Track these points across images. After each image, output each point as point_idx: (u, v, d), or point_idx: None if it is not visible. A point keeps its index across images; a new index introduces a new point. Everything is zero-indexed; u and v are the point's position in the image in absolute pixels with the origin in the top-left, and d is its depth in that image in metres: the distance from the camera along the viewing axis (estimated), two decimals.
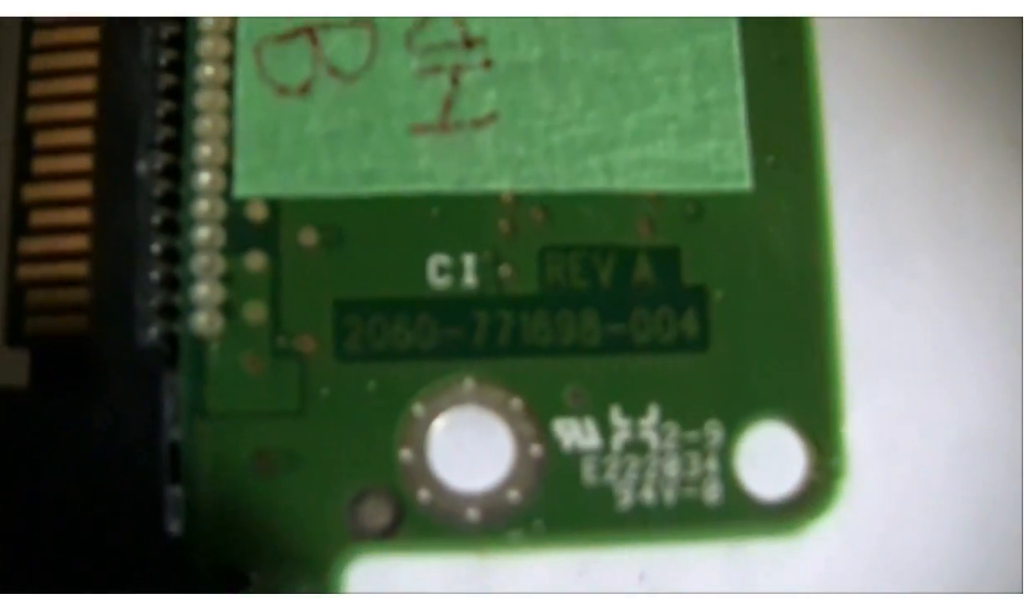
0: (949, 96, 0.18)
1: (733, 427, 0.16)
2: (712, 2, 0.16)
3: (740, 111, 0.16)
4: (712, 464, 0.16)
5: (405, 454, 0.15)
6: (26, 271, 0.16)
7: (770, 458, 0.16)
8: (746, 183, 0.16)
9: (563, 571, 0.17)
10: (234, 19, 0.16)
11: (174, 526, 0.15)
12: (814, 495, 0.16)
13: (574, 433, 0.15)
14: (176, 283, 0.16)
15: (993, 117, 0.18)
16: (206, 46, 0.16)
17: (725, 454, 0.16)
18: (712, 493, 0.15)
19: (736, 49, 0.16)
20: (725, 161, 0.16)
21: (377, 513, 0.15)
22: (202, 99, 0.16)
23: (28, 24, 0.16)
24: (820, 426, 0.16)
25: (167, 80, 0.16)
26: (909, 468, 0.17)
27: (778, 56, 0.17)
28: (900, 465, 0.18)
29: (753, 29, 0.16)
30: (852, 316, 0.17)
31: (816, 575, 0.17)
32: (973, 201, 0.18)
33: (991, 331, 0.18)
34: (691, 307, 0.16)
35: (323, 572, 0.15)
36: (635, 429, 0.16)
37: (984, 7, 0.18)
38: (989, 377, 0.18)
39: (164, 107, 0.16)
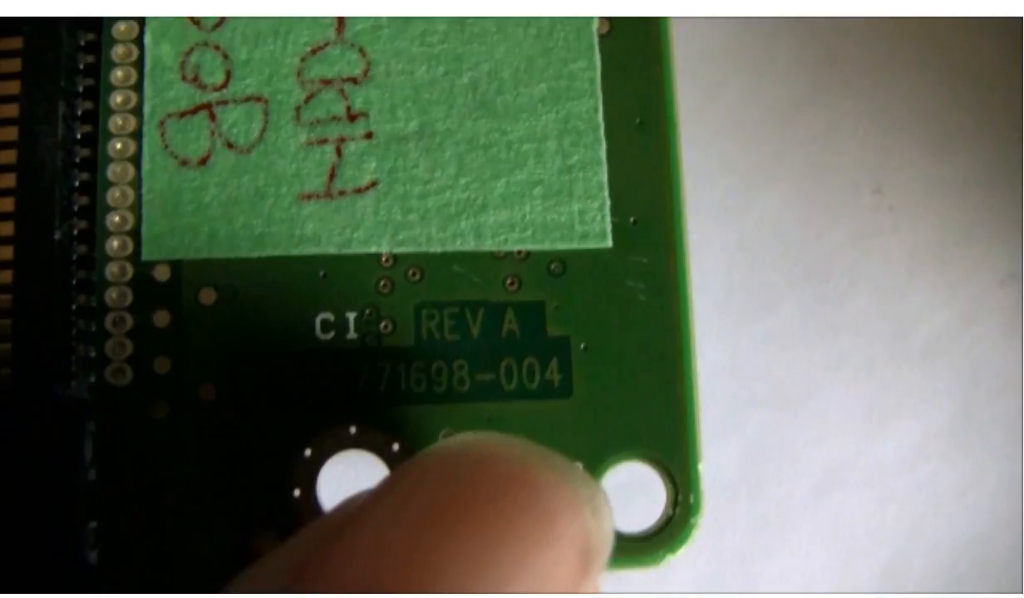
0: (812, 149, 0.19)
1: (596, 466, 0.17)
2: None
3: (603, 174, 0.18)
4: None
5: (295, 494, 0.17)
6: None
7: (630, 495, 0.17)
8: (607, 241, 0.17)
9: None
10: (140, 97, 0.18)
11: (92, 557, 0.17)
12: (672, 529, 0.17)
13: None
14: (92, 338, 0.17)
15: (858, 167, 0.20)
16: (116, 122, 0.18)
17: None
18: None
19: (600, 115, 0.18)
20: (588, 221, 0.17)
21: (270, 546, 0.17)
22: (112, 171, 0.18)
23: None
24: (676, 465, 0.17)
25: (83, 153, 0.18)
26: (770, 500, 0.19)
27: (640, 120, 0.18)
28: (765, 493, 0.19)
29: (616, 95, 0.18)
30: (716, 358, 0.18)
31: (683, 592, 0.19)
32: (837, 247, 0.19)
33: (852, 368, 0.19)
34: (555, 357, 0.17)
35: None
36: None
37: (984, 7, 0.19)
38: (851, 412, 0.19)
39: (81, 178, 0.18)
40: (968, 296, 0.19)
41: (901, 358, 0.19)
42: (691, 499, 0.17)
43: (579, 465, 0.16)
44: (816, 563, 0.19)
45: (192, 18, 0.18)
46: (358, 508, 0.12)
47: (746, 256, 0.19)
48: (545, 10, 0.17)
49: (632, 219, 0.17)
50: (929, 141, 0.19)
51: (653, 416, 0.17)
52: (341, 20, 0.18)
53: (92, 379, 0.17)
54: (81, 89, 0.18)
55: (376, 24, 0.18)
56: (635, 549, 0.17)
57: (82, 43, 0.18)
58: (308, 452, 0.17)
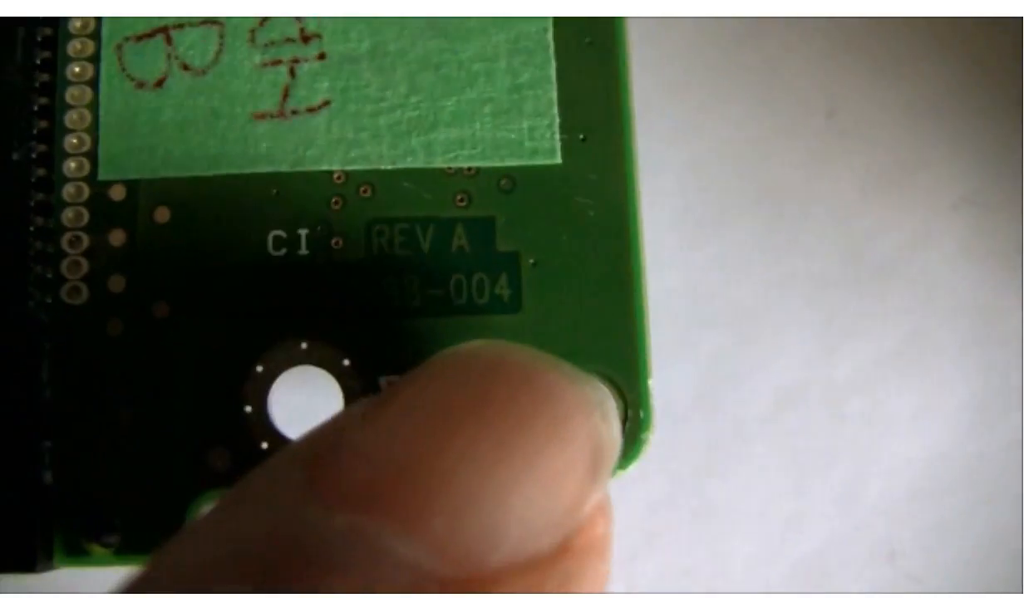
0: (763, 73, 0.20)
1: None
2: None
3: (552, 92, 0.18)
4: None
5: (247, 409, 0.17)
6: None
7: None
8: (557, 158, 0.18)
9: None
10: (98, 21, 0.18)
11: (47, 477, 0.17)
12: (623, 444, 0.17)
13: None
14: (49, 258, 0.18)
15: (809, 91, 0.20)
16: (75, 46, 0.18)
17: None
18: None
19: (549, 35, 0.18)
20: (537, 138, 0.18)
21: (222, 460, 0.17)
22: (71, 94, 0.18)
23: None
24: (627, 380, 0.17)
25: (43, 77, 0.18)
26: (724, 420, 0.19)
27: (590, 40, 0.18)
28: (720, 414, 0.19)
29: (565, 19, 0.18)
30: (673, 275, 0.18)
31: (637, 514, 0.19)
32: (790, 170, 0.19)
33: (804, 287, 0.19)
34: (504, 272, 0.17)
35: (177, 513, 0.17)
36: None
37: (984, 7, 0.19)
38: (805, 333, 0.19)
39: (40, 102, 0.18)
40: (921, 219, 0.19)
41: (854, 280, 0.19)
42: (641, 415, 0.17)
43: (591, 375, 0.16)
44: (772, 483, 0.19)
45: None
46: (370, 404, 0.13)
47: (698, 178, 0.19)
48: None
49: (581, 136, 0.18)
50: (881, 65, 0.19)
51: (603, 332, 0.17)
52: None
53: (48, 299, 0.17)
54: (41, 15, 0.18)
55: None
56: None
57: None
58: (260, 368, 0.17)
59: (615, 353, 0.17)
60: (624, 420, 0.17)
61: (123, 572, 0.17)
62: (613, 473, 0.17)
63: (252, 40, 0.18)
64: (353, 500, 0.11)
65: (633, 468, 0.17)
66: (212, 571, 0.11)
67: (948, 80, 0.19)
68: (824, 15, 0.19)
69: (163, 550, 0.12)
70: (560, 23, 0.18)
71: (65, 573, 0.18)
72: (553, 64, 0.18)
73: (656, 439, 0.17)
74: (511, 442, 0.12)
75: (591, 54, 0.18)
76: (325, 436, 0.13)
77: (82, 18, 0.18)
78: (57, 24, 0.18)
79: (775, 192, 0.19)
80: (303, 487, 0.12)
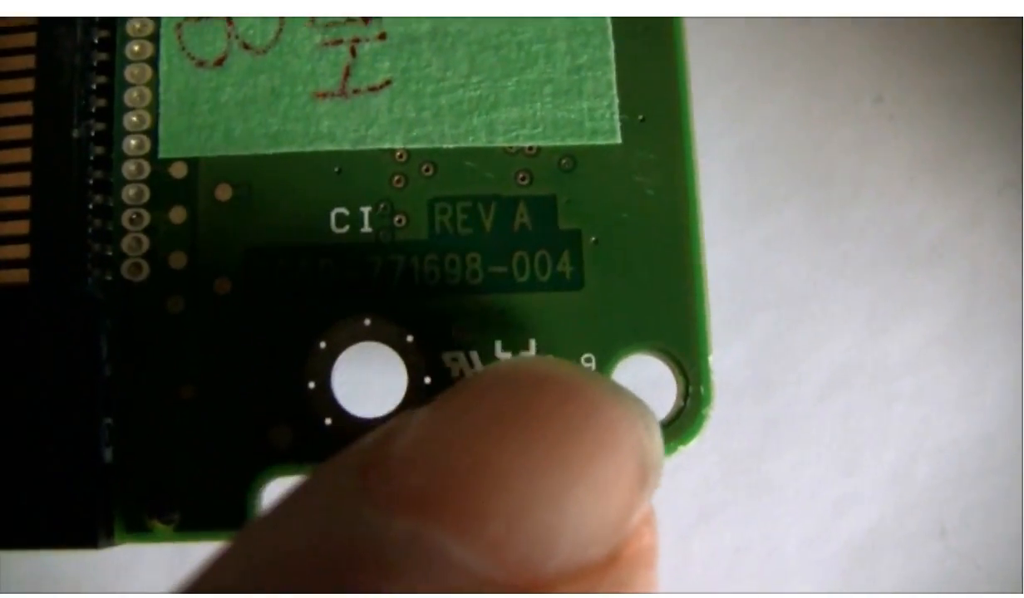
0: (813, 59, 0.20)
1: (606, 359, 0.17)
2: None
3: (612, 74, 0.18)
4: None
5: (310, 385, 0.17)
6: None
7: (640, 387, 0.17)
8: (617, 138, 0.18)
9: None
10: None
11: (106, 454, 0.17)
12: (684, 420, 0.17)
13: (461, 364, 0.17)
14: (108, 236, 0.18)
15: (858, 75, 0.20)
16: (133, 25, 0.18)
17: None
18: None
19: (608, 18, 0.18)
20: (597, 118, 0.18)
21: (285, 437, 0.17)
22: (130, 73, 0.18)
23: None
24: (687, 357, 0.17)
25: (100, 56, 0.18)
26: (779, 399, 0.19)
27: (648, 24, 0.18)
28: (774, 394, 0.19)
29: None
30: (725, 257, 0.18)
31: (692, 492, 0.19)
32: (839, 155, 0.20)
33: (855, 271, 0.20)
34: (566, 250, 0.17)
35: (239, 489, 0.17)
36: None
37: (984, 7, 0.19)
38: (854, 314, 0.20)
39: (98, 81, 0.18)
40: (967, 203, 0.20)
41: (903, 262, 0.19)
42: (702, 390, 0.17)
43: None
44: (824, 463, 0.19)
45: None
46: (421, 413, 0.13)
47: (749, 162, 0.19)
48: None
49: (640, 117, 0.18)
50: (929, 52, 0.20)
51: (663, 308, 0.17)
52: None
53: (108, 277, 0.17)
54: None
55: None
56: None
57: None
58: (323, 344, 0.17)
59: (675, 330, 0.17)
60: (685, 396, 0.17)
61: (182, 548, 0.17)
62: (675, 448, 0.17)
63: (312, 20, 0.18)
64: (409, 505, 0.11)
65: (693, 443, 0.17)
66: (267, 575, 0.11)
67: (993, 66, 0.19)
68: (824, 15, 0.19)
69: (214, 557, 0.12)
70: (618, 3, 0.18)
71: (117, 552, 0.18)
72: (612, 46, 0.18)
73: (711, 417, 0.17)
74: (563, 449, 0.12)
75: (649, 37, 0.18)
76: (377, 443, 0.13)
77: None
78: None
79: (824, 176, 0.19)
80: (358, 493, 0.12)
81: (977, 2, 0.19)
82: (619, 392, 0.13)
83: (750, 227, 0.19)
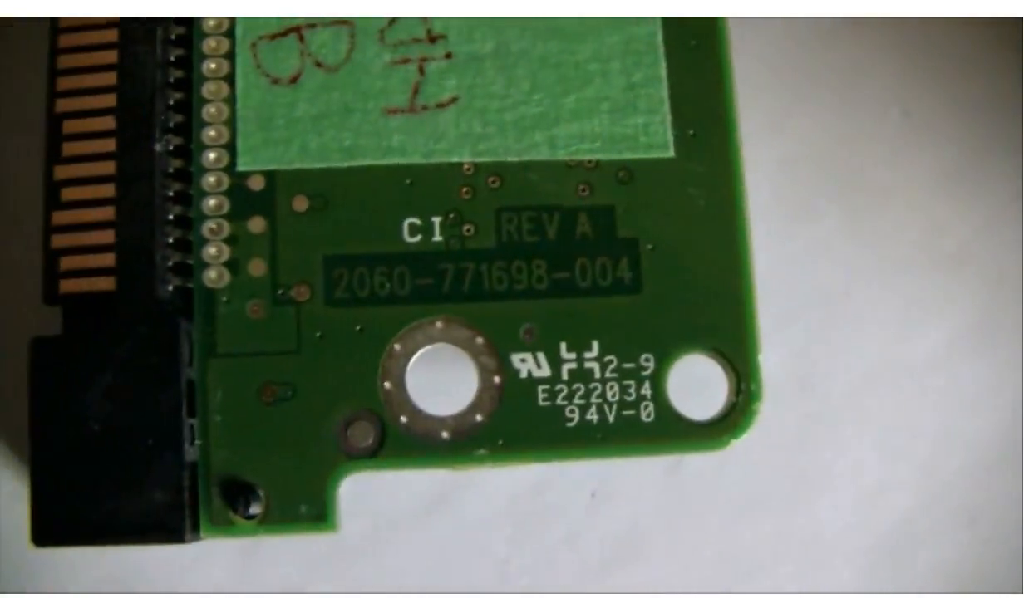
0: (847, 72, 0.21)
1: (663, 358, 0.18)
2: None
3: (664, 91, 0.19)
4: (646, 389, 0.18)
5: (386, 385, 0.18)
6: (59, 240, 0.18)
7: (696, 384, 0.18)
8: (670, 152, 0.19)
9: (523, 491, 0.20)
10: (232, 20, 0.19)
11: (191, 452, 0.18)
12: (736, 415, 0.18)
13: (529, 365, 0.18)
14: (189, 246, 0.19)
15: (887, 91, 0.21)
16: (209, 44, 0.19)
17: (657, 381, 0.18)
18: (647, 414, 0.18)
19: (659, 38, 0.19)
20: (651, 133, 0.19)
21: (364, 435, 0.18)
22: (207, 89, 0.19)
23: (55, 28, 0.19)
24: (738, 356, 0.18)
25: (176, 74, 0.19)
26: (816, 395, 0.20)
27: (696, 44, 0.19)
28: (812, 391, 0.21)
29: (673, 21, 0.19)
30: (766, 263, 0.19)
31: (738, 483, 0.20)
32: (871, 164, 0.21)
33: (886, 271, 0.21)
34: (625, 256, 0.19)
35: (319, 486, 0.18)
36: (580, 361, 0.18)
37: (984, 7, 0.20)
38: (889, 315, 0.21)
39: (175, 97, 0.19)
40: (989, 207, 0.21)
41: (930, 265, 0.21)
42: (752, 387, 0.18)
43: None
44: (861, 458, 0.20)
45: None
46: None
47: (788, 172, 0.20)
48: None
49: (691, 132, 0.19)
50: (951, 67, 0.21)
51: (715, 311, 0.18)
52: None
53: (189, 284, 0.18)
54: (175, 16, 0.19)
55: None
56: (703, 434, 0.18)
57: None
58: (398, 346, 0.18)
59: (727, 331, 0.18)
60: (737, 393, 0.18)
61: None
62: (728, 442, 0.18)
63: (381, 39, 0.19)
64: None
65: (744, 437, 0.18)
66: None
67: (1011, 78, 0.21)
68: (825, 15, 0.21)
69: None
70: (668, 25, 0.19)
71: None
72: (663, 64, 0.19)
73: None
74: None
75: (697, 55, 0.19)
76: None
77: (216, 17, 0.19)
78: (191, 23, 0.19)
79: (857, 184, 0.21)
80: None
81: (980, 2, 0.20)
82: None
83: (788, 235, 0.20)
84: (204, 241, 0.18)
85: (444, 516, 0.20)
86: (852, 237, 0.21)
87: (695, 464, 0.20)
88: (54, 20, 0.19)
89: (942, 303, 0.21)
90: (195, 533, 0.18)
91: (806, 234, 0.21)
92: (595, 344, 0.18)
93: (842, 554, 0.20)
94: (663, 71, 0.19)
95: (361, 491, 0.18)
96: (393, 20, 0.19)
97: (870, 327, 0.21)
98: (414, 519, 0.20)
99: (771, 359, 0.19)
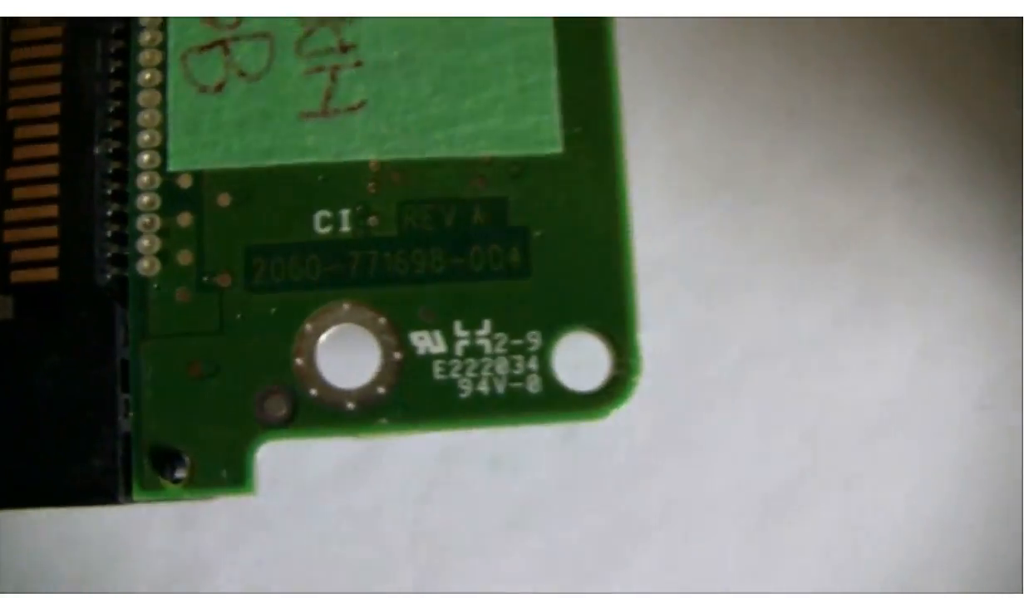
0: (732, 73, 0.23)
1: (549, 335, 0.20)
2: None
3: (554, 92, 0.21)
4: (533, 364, 0.20)
5: (299, 361, 0.20)
6: (10, 234, 0.20)
7: (579, 358, 0.20)
8: (558, 148, 0.21)
9: (427, 460, 0.22)
10: (165, 34, 0.21)
11: (124, 423, 0.20)
12: (616, 387, 0.20)
13: (426, 342, 0.20)
14: (125, 239, 0.21)
15: (770, 90, 0.23)
16: (144, 56, 0.21)
17: (543, 356, 0.20)
18: (533, 386, 0.20)
19: (551, 43, 0.21)
20: (542, 131, 0.21)
21: (278, 406, 0.20)
22: (142, 98, 0.21)
23: (7, 41, 0.21)
24: (619, 333, 0.20)
25: (115, 84, 0.21)
26: (703, 370, 0.22)
27: (583, 48, 0.21)
28: (699, 366, 0.22)
29: (564, 29, 0.21)
30: (656, 248, 0.21)
31: (630, 450, 0.22)
32: (753, 160, 0.23)
33: (769, 257, 0.22)
34: (516, 244, 0.20)
35: (239, 452, 0.20)
36: (473, 338, 0.20)
37: (984, 7, 0.22)
38: (773, 296, 0.23)
39: (114, 104, 0.21)
40: (866, 198, 0.22)
41: (810, 252, 0.22)
42: (631, 361, 0.20)
43: None
44: (745, 427, 0.22)
45: None
46: None
47: (677, 165, 0.22)
48: None
49: (578, 129, 0.21)
50: (835, 66, 0.23)
51: (598, 292, 0.20)
52: None
53: (125, 273, 0.20)
54: (114, 30, 0.21)
55: None
56: (586, 404, 0.20)
57: None
58: (308, 326, 0.20)
59: (609, 310, 0.20)
60: (617, 367, 0.20)
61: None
62: (608, 411, 0.20)
63: (298, 50, 0.21)
64: None
65: (625, 407, 0.20)
66: None
67: (891, 75, 0.22)
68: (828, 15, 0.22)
69: None
70: (559, 30, 0.21)
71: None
72: (554, 69, 0.21)
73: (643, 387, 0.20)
74: None
75: (585, 59, 0.21)
76: None
77: (151, 32, 0.21)
78: (129, 37, 0.21)
79: (742, 177, 0.22)
80: None
81: (976, 2, 0.21)
82: None
83: (679, 222, 0.22)
84: (138, 234, 0.20)
85: (357, 484, 0.22)
86: (738, 225, 0.22)
87: (590, 434, 0.22)
88: (6, 35, 0.21)
89: (823, 286, 0.22)
90: (128, 496, 0.20)
91: (694, 222, 0.22)
92: (487, 323, 0.20)
93: (729, 515, 0.22)
94: (553, 74, 0.21)
95: (278, 456, 0.20)
96: (309, 32, 0.21)
97: (755, 306, 0.22)
98: (330, 486, 0.22)
99: (659, 336, 0.20)
